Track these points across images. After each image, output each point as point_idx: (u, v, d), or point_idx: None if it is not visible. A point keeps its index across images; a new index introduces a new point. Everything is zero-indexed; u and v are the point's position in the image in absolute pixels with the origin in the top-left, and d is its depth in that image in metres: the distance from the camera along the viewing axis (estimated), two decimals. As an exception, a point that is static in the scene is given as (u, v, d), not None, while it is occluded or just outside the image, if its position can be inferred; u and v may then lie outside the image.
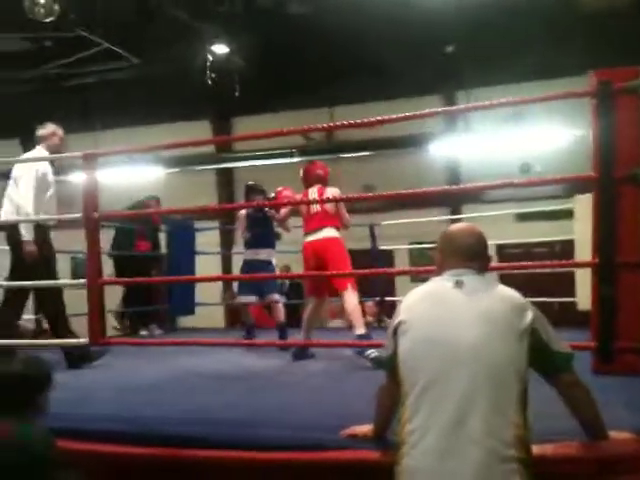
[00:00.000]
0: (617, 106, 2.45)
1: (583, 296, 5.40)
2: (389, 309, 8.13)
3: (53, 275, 4.35)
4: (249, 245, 5.65)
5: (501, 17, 7.39)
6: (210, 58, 8.60)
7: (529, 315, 1.92)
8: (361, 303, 4.74)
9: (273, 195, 5.42)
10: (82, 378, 3.92)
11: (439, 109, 7.57)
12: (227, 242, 11.01)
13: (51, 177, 4.42)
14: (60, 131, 4.59)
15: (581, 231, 5.46)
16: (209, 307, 8.25)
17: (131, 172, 9.84)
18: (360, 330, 4.28)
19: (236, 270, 10.54)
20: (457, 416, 1.76)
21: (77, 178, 8.76)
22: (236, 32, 8.30)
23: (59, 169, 8.55)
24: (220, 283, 10.39)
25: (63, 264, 10.18)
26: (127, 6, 7.48)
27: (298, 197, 4.99)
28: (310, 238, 4.67)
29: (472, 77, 9.06)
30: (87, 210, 3.07)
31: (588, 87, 2.54)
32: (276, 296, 5.55)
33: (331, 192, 4.67)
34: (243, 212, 5.70)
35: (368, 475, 2.16)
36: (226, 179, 11.48)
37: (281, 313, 5.52)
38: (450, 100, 9.85)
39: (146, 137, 10.03)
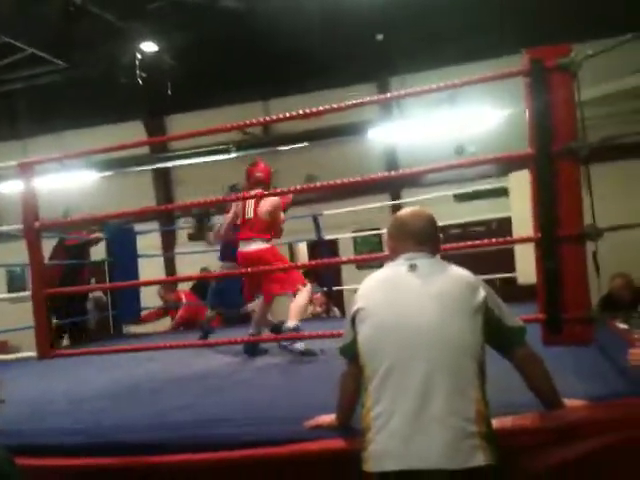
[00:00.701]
0: (550, 83, 2.50)
1: (523, 271, 5.56)
2: (337, 299, 8.20)
3: None
4: (226, 257, 5.39)
5: (428, 2, 7.49)
6: (139, 57, 8.41)
7: (481, 293, 1.97)
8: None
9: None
10: (33, 391, 3.79)
11: (374, 97, 7.57)
12: (168, 243, 10.86)
13: None
14: None
15: (517, 207, 5.62)
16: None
17: (64, 178, 9.53)
18: (292, 322, 4.23)
19: (180, 271, 10.48)
20: (420, 398, 1.79)
21: (4, 189, 8.47)
22: (166, 29, 8.15)
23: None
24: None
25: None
26: (52, 9, 7.24)
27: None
28: (242, 248, 4.58)
29: (404, 63, 9.17)
30: (27, 220, 2.96)
31: (521, 66, 2.59)
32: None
33: (268, 203, 4.55)
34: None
35: (337, 464, 2.16)
36: (163, 179, 11.28)
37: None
38: (384, 87, 9.94)
39: (77, 141, 9.78)
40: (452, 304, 1.92)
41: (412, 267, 2.01)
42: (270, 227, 4.58)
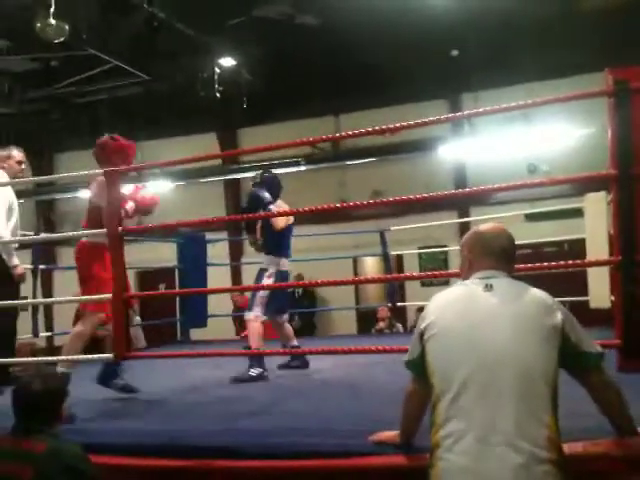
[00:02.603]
0: (634, 104, 2.46)
1: (596, 295, 5.37)
2: (400, 314, 8.16)
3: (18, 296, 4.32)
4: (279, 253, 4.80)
5: (504, 19, 7.43)
6: (218, 71, 8.67)
7: (558, 316, 1.92)
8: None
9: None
10: (106, 392, 3.93)
11: (447, 115, 7.56)
12: (236, 253, 11.08)
13: (15, 205, 4.29)
14: (18, 154, 4.40)
15: (592, 229, 5.44)
16: (220, 319, 8.27)
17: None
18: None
19: (246, 281, 10.65)
20: (491, 419, 1.76)
21: (85, 195, 8.83)
22: (244, 44, 8.38)
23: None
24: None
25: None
26: (136, 23, 7.56)
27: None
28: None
29: (478, 79, 9.11)
30: (111, 226, 3.09)
31: (605, 86, 2.54)
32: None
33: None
34: None
35: None
36: (233, 190, 11.54)
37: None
38: (456, 103, 9.89)
39: (154, 151, 10.12)
40: (528, 327, 1.87)
41: (488, 287, 1.97)
42: None
